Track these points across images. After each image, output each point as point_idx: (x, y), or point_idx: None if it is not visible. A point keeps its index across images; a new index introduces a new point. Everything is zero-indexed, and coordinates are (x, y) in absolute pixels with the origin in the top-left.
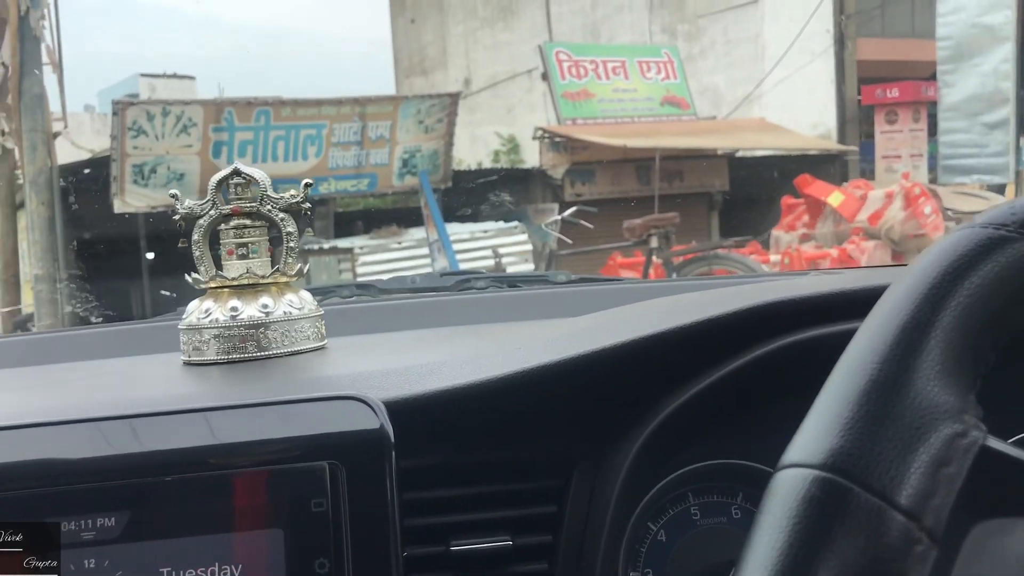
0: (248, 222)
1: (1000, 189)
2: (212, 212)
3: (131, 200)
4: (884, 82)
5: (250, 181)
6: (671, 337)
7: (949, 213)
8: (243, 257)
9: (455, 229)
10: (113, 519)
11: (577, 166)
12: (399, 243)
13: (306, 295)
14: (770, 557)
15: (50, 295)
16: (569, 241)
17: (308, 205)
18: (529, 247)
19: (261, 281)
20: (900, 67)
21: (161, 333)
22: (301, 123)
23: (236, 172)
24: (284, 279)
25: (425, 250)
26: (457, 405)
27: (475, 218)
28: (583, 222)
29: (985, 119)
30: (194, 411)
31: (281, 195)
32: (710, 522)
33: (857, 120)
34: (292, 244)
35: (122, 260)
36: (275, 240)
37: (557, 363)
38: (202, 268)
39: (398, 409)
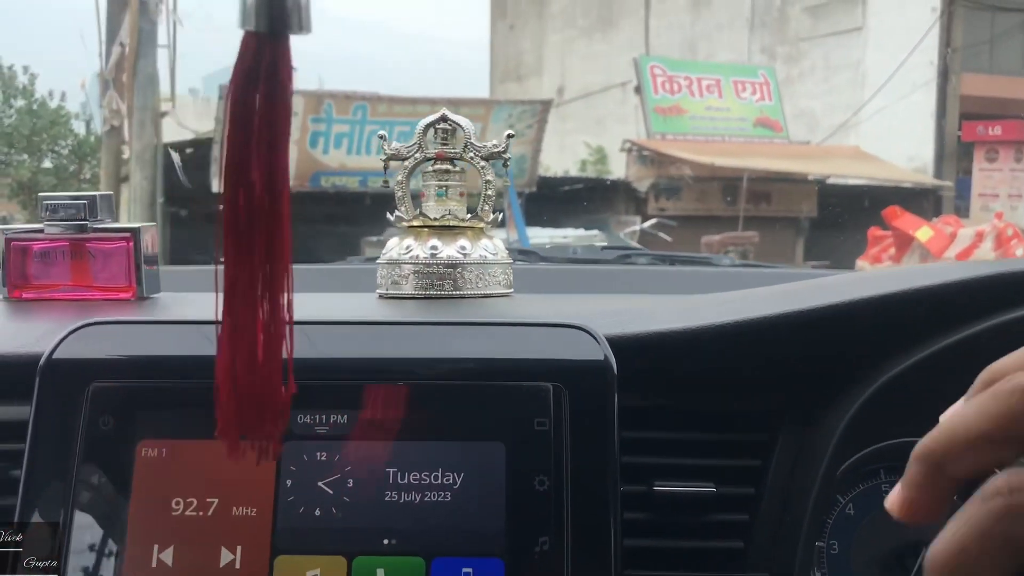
0: (450, 167)
1: None
2: (418, 155)
3: None
4: (987, 119)
5: (455, 128)
6: (903, 299)
7: None
8: (444, 200)
9: (535, 233)
10: (346, 417)
11: (663, 181)
12: None
13: (499, 242)
14: None
15: None
16: None
17: (509, 156)
18: None
19: (460, 224)
20: (1006, 105)
21: (342, 274)
22: (396, 119)
23: (443, 118)
24: (480, 224)
25: None
26: (673, 349)
27: (557, 224)
28: (662, 234)
29: None
30: (431, 324)
31: (484, 144)
32: None
33: (955, 156)
34: (490, 192)
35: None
36: None
37: (779, 316)
38: (403, 207)
39: (615, 345)
